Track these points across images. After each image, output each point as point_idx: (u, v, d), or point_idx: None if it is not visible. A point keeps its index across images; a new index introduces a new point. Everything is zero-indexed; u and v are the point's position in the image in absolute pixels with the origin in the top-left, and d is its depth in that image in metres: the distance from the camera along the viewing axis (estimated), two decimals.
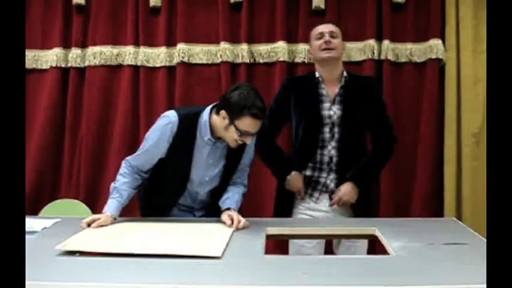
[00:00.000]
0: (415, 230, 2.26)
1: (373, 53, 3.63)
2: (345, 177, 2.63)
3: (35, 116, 3.85)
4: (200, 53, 3.75)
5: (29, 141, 3.81)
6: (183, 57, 3.71)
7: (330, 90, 2.66)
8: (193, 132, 2.39)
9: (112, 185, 2.44)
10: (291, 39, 3.72)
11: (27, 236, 1.98)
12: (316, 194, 2.68)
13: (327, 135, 2.63)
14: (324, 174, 2.65)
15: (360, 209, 2.66)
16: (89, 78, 3.81)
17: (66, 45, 3.84)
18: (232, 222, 2.26)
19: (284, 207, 2.75)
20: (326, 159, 2.64)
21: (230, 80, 3.69)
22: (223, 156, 2.47)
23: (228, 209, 2.39)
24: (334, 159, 2.63)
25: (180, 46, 3.72)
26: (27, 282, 1.48)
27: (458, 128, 3.58)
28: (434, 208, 3.56)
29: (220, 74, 3.72)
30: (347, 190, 2.60)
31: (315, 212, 2.66)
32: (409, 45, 3.65)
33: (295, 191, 2.68)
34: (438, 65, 3.61)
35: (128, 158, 2.50)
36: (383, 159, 2.78)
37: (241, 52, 3.70)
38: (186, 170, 2.45)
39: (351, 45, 3.67)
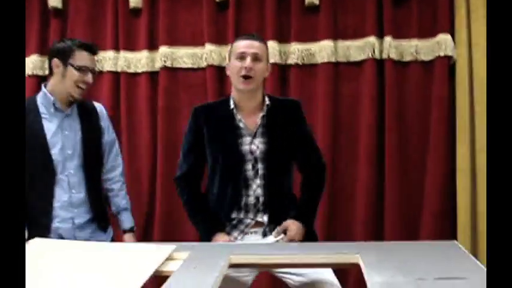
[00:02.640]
0: (405, 258, 1.88)
1: (374, 52, 3.27)
2: (279, 216, 2.31)
3: None
4: (184, 56, 3.45)
5: None
6: (165, 61, 3.42)
7: (250, 121, 2.30)
8: (36, 109, 2.42)
9: None
10: (283, 38, 3.38)
11: None
12: (241, 235, 2.33)
13: (250, 172, 2.28)
14: (251, 216, 2.31)
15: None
16: None
17: (44, 51, 3.58)
18: None
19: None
20: (252, 200, 2.29)
21: (217, 85, 3.40)
22: (77, 124, 2.49)
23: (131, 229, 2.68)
24: (261, 199, 2.29)
25: (163, 49, 3.42)
26: None
27: (472, 135, 3.17)
28: (446, 226, 3.16)
29: (206, 78, 3.41)
30: (296, 229, 2.28)
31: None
32: (415, 42, 3.28)
33: None
34: (448, 63, 3.23)
35: None
36: (319, 191, 2.45)
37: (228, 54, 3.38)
38: (43, 148, 2.39)
39: (349, 44, 3.34)
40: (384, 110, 3.26)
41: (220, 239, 2.25)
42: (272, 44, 3.33)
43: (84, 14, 3.55)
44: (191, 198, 2.37)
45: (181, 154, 2.41)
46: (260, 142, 2.28)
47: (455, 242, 2.10)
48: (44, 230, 2.37)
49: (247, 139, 2.28)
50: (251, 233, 2.32)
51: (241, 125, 2.29)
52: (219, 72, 3.40)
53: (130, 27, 3.51)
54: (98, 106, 2.67)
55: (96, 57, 2.52)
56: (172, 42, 3.45)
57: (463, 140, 3.17)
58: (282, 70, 3.37)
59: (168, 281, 1.71)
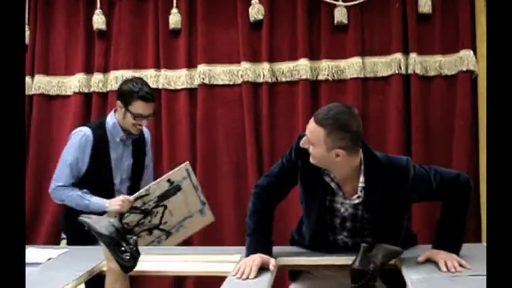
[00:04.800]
0: None
1: (400, 68, 3.46)
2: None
3: (60, 142, 3.84)
4: (221, 73, 3.67)
5: (54, 170, 3.79)
6: (203, 79, 3.64)
7: (341, 184, 2.15)
8: (106, 138, 2.82)
9: (70, 201, 2.75)
10: (313, 56, 3.59)
11: (28, 268, 1.89)
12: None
13: (337, 225, 2.22)
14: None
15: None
16: (111, 102, 3.76)
17: (89, 70, 3.83)
18: None
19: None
20: (340, 243, 2.27)
21: (252, 100, 3.61)
22: (130, 153, 2.91)
23: None
24: (350, 243, 2.24)
25: (201, 68, 3.65)
26: None
27: None
28: (472, 235, 3.32)
29: (242, 94, 3.63)
30: (450, 259, 2.03)
31: None
32: (438, 58, 3.47)
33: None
34: (470, 77, 3.42)
35: (57, 184, 2.81)
36: (462, 208, 2.19)
37: (263, 71, 3.61)
38: (109, 176, 2.81)
39: (377, 60, 3.53)
40: (410, 122, 3.45)
41: (262, 259, 2.09)
42: (303, 62, 3.54)
43: (127, 35, 3.78)
44: (261, 209, 2.26)
45: (275, 167, 2.33)
46: (351, 207, 2.14)
47: (483, 244, 2.28)
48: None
49: (338, 198, 2.16)
50: None
51: (332, 185, 2.14)
52: (254, 88, 3.63)
53: (170, 47, 3.74)
54: (146, 132, 3.06)
55: (153, 104, 2.87)
56: (210, 60, 3.67)
57: (484, 145, 3.33)
58: (313, 86, 3.57)
59: (224, 283, 1.92)
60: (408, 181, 2.07)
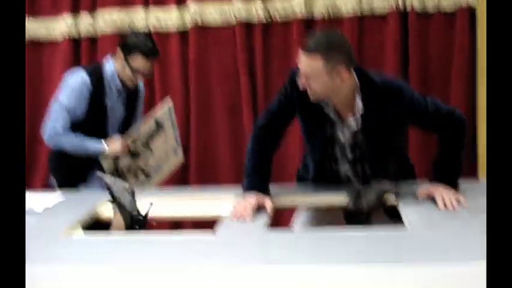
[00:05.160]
0: None
1: (398, 3, 3.36)
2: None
3: (51, 89, 3.76)
4: (213, 12, 3.55)
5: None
6: (195, 19, 3.54)
7: (340, 111, 2.10)
8: (103, 85, 2.66)
9: (65, 144, 2.66)
10: None
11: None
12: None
13: (338, 155, 2.19)
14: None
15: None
16: (101, 47, 3.68)
17: (76, 9, 3.70)
18: None
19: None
20: (342, 175, 2.24)
21: (245, 42, 3.53)
22: (123, 105, 2.78)
23: None
24: (351, 175, 2.22)
25: (192, 6, 3.53)
26: (29, 268, 1.39)
27: None
28: (468, 168, 3.31)
29: (236, 35, 3.54)
30: (448, 193, 2.00)
31: None
32: None
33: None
34: (469, 13, 3.31)
35: (51, 127, 2.66)
36: (458, 145, 2.13)
37: (256, 10, 3.50)
38: (103, 124, 2.70)
39: None
40: (407, 61, 3.38)
41: (260, 199, 2.05)
42: None
43: None
44: (258, 154, 2.19)
45: (271, 105, 2.24)
46: (350, 135, 2.12)
47: (480, 180, 2.24)
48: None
49: (338, 126, 2.12)
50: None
51: (331, 115, 2.11)
52: (247, 28, 3.53)
53: None
54: (141, 87, 2.91)
55: (153, 61, 2.68)
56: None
57: (484, 88, 3.28)
58: (308, 25, 3.47)
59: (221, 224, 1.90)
60: (405, 102, 2.04)
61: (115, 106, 2.74)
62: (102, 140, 2.61)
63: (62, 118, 2.63)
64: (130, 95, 2.80)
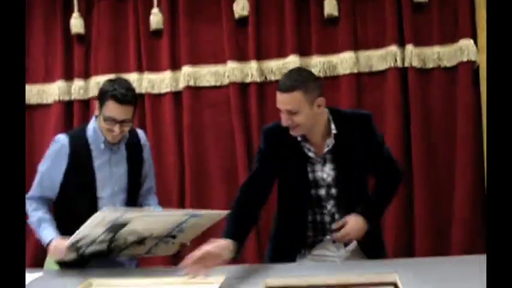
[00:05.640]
0: (444, 275, 1.87)
1: (396, 60, 3.25)
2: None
3: (42, 153, 3.66)
4: (207, 74, 3.48)
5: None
6: (188, 81, 3.46)
7: (317, 147, 2.20)
8: (87, 145, 2.43)
9: (31, 220, 2.39)
10: (304, 51, 3.39)
11: None
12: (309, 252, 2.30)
13: (324, 196, 2.24)
14: (327, 234, 2.27)
15: (372, 250, 2.28)
16: (93, 110, 3.56)
17: (69, 76, 3.66)
18: None
19: (285, 253, 2.31)
20: (327, 218, 2.26)
21: (241, 102, 3.42)
22: (123, 160, 2.48)
23: None
24: (336, 216, 2.24)
25: (186, 69, 3.46)
26: None
27: None
28: (477, 232, 3.12)
29: (230, 96, 3.44)
30: (354, 224, 2.16)
31: (322, 258, 2.28)
32: (437, 49, 3.26)
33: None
34: (471, 68, 3.20)
35: (27, 195, 2.43)
36: (389, 192, 2.36)
37: (250, 70, 3.41)
38: (91, 187, 2.41)
39: (371, 53, 3.33)
40: (409, 118, 3.25)
41: (220, 244, 1.98)
42: (293, 58, 3.35)
43: (106, 37, 3.60)
44: (238, 201, 2.22)
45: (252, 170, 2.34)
46: (330, 169, 2.20)
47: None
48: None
49: (317, 167, 2.20)
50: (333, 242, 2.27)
51: (310, 154, 2.19)
52: (242, 89, 3.43)
53: (152, 49, 3.56)
54: (141, 134, 2.62)
55: (130, 108, 2.34)
56: (195, 61, 3.48)
57: None
58: None
59: None
60: (371, 128, 2.23)
61: (109, 164, 2.45)
62: (52, 237, 2.28)
63: (34, 185, 2.45)
64: (131, 147, 2.51)
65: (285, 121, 2.09)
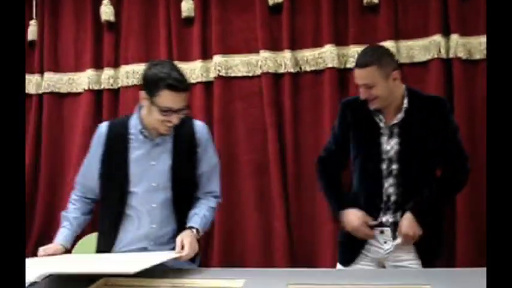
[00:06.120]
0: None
1: (440, 51, 3.03)
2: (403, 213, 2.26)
3: (72, 142, 3.65)
4: (239, 64, 3.34)
5: (68, 170, 3.62)
6: (219, 71, 3.32)
7: (388, 118, 2.29)
8: (125, 135, 2.22)
9: (62, 213, 2.30)
10: (340, 41, 3.21)
11: None
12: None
13: (384, 171, 2.28)
14: (381, 213, 2.29)
15: (425, 249, 2.25)
16: (123, 99, 3.54)
17: (98, 65, 3.60)
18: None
19: (349, 253, 2.38)
20: (383, 197, 2.28)
21: (273, 93, 3.27)
22: (168, 154, 2.21)
23: (191, 228, 2.15)
24: (392, 198, 2.27)
25: (217, 59, 3.33)
26: None
27: None
28: None
29: (262, 86, 3.29)
30: (407, 224, 2.20)
31: (375, 249, 2.30)
32: (484, 39, 3.01)
33: (356, 234, 2.29)
34: None
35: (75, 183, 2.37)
36: (450, 190, 2.34)
37: (284, 60, 3.25)
38: (123, 180, 2.20)
39: (413, 43, 3.12)
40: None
41: (351, 215, 2.27)
42: (329, 48, 3.18)
43: (137, 25, 3.52)
44: (325, 178, 2.47)
45: (328, 140, 2.52)
46: (396, 143, 2.26)
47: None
48: None
49: (384, 138, 2.29)
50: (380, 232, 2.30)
51: (381, 124, 2.29)
52: (275, 80, 3.28)
53: (183, 37, 3.45)
54: (198, 127, 2.31)
55: (187, 94, 2.15)
56: (226, 50, 3.35)
57: None
58: (340, 75, 3.20)
59: None
60: (444, 112, 2.26)
61: (147, 158, 2.21)
62: (58, 241, 2.20)
63: (78, 178, 2.36)
64: (179, 139, 2.23)
65: (363, 94, 2.24)
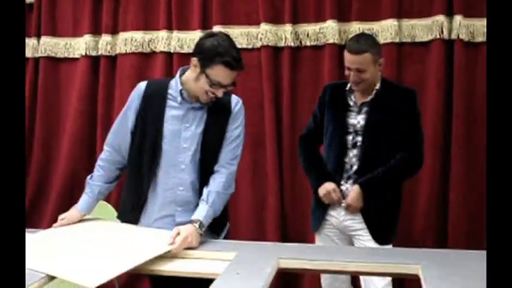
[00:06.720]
0: (473, 270, 1.70)
1: (442, 32, 3.01)
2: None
3: (68, 107, 3.64)
4: (239, 36, 3.30)
5: (63, 135, 3.65)
6: None
7: (360, 99, 2.51)
8: (163, 95, 2.21)
9: (87, 178, 2.29)
10: (342, 17, 3.18)
11: None
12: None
13: (349, 142, 2.50)
14: (342, 182, 2.50)
15: (374, 222, 2.45)
16: (120, 66, 3.51)
17: (97, 31, 3.55)
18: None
19: (317, 219, 2.59)
20: (347, 166, 2.51)
21: (272, 66, 3.25)
22: (202, 119, 2.21)
23: (191, 221, 2.06)
24: (354, 168, 2.48)
25: (217, 29, 3.28)
26: None
27: None
28: None
29: (261, 59, 3.26)
30: (354, 195, 2.44)
31: (333, 219, 2.52)
32: None
33: (327, 201, 2.49)
34: None
35: (105, 144, 2.31)
36: (402, 172, 2.50)
37: (285, 34, 3.23)
38: (157, 135, 2.18)
39: (415, 23, 3.10)
40: (451, 95, 3.03)
41: (329, 187, 2.45)
42: (331, 24, 3.15)
43: None
44: (305, 153, 2.66)
45: (310, 118, 2.72)
46: (362, 118, 2.47)
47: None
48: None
49: (352, 114, 2.50)
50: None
51: (351, 103, 2.51)
52: (275, 53, 3.26)
53: (183, 6, 3.40)
54: (234, 100, 2.30)
55: (237, 72, 2.13)
56: (226, 21, 3.32)
57: None
58: (341, 51, 3.14)
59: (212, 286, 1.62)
60: (412, 101, 2.48)
61: (180, 119, 2.20)
62: (77, 206, 2.25)
63: (109, 136, 2.29)
64: (215, 111, 2.22)
65: (353, 77, 2.40)
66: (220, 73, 2.07)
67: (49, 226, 2.22)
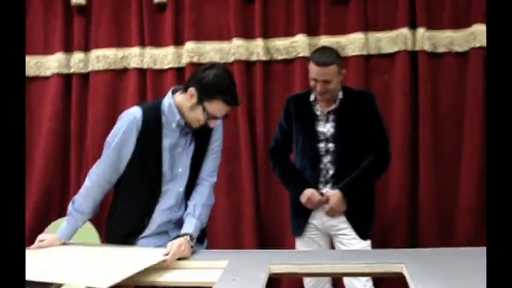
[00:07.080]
0: (453, 268, 1.82)
1: (407, 44, 3.17)
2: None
3: (40, 126, 3.61)
4: (211, 51, 3.38)
5: (34, 153, 3.60)
6: (192, 57, 3.35)
7: (325, 108, 2.65)
8: (159, 122, 2.22)
9: (70, 205, 2.25)
10: (312, 31, 3.30)
11: None
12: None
13: (322, 149, 2.64)
14: (320, 186, 2.63)
15: (359, 222, 2.62)
16: (93, 84, 3.52)
17: (68, 49, 3.56)
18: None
19: (298, 223, 2.71)
20: (323, 172, 2.64)
21: (245, 80, 3.33)
22: (191, 143, 2.28)
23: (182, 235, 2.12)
24: (330, 172, 2.63)
25: (189, 45, 3.36)
26: None
27: None
28: (482, 223, 3.06)
29: (234, 74, 3.32)
30: (335, 200, 2.57)
31: (316, 221, 2.65)
32: (448, 33, 3.17)
33: (310, 206, 2.62)
34: (483, 54, 3.11)
35: (92, 169, 2.27)
36: (374, 171, 2.67)
37: (256, 49, 3.32)
38: (158, 165, 2.21)
39: (381, 36, 3.25)
40: (417, 103, 3.17)
41: (309, 193, 2.58)
42: (301, 38, 3.27)
43: (108, 9, 3.50)
44: (279, 165, 2.77)
45: (276, 131, 2.83)
46: (331, 126, 2.61)
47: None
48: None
49: (321, 122, 2.64)
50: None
51: (317, 112, 2.64)
52: (247, 67, 3.35)
53: (155, 23, 3.45)
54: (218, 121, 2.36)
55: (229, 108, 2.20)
56: (199, 37, 3.38)
57: None
58: None
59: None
60: (372, 104, 2.66)
61: (176, 145, 2.25)
62: (58, 234, 2.24)
63: (101, 169, 2.24)
64: (201, 132, 2.28)
65: (319, 88, 2.52)
66: (218, 108, 2.13)
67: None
